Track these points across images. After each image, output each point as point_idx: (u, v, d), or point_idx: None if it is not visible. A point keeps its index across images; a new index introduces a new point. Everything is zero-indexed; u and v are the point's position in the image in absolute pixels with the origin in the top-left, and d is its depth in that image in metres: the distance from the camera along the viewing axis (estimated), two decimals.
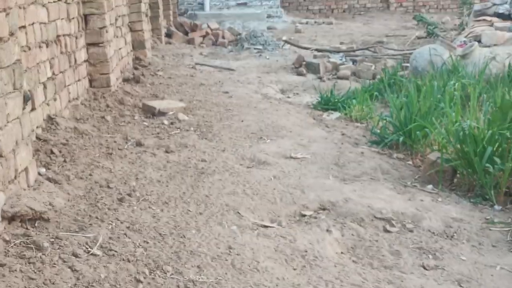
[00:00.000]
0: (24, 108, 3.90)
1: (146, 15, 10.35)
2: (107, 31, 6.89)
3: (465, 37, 10.94)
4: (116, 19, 7.80)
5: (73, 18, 6.26)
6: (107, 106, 6.48)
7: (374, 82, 8.85)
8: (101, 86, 6.88)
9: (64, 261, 3.13)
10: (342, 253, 3.80)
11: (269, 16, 17.58)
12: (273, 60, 11.74)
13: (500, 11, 12.37)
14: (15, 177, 3.64)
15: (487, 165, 4.71)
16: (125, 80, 7.94)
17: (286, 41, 13.43)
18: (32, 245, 3.24)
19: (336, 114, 7.35)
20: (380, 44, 13.03)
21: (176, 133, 5.88)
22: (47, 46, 5.36)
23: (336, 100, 7.75)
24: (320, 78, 9.96)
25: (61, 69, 5.77)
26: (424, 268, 3.64)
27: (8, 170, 3.53)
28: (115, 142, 5.34)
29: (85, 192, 4.14)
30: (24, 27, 4.72)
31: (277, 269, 3.39)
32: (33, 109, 4.71)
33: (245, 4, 17.90)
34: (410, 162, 5.58)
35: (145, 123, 6.16)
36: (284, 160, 5.33)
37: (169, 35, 13.22)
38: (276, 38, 14.20)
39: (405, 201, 4.60)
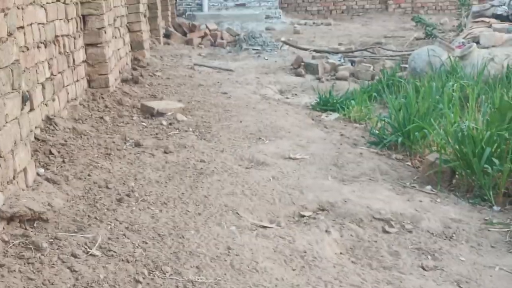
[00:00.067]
0: (22, 109, 3.90)
1: (145, 16, 10.35)
2: (105, 32, 6.89)
3: (464, 38, 10.94)
4: (114, 20, 7.80)
5: (71, 18, 6.26)
6: (106, 106, 6.47)
7: (373, 83, 8.86)
8: (99, 87, 6.87)
9: (63, 262, 3.13)
10: (341, 253, 3.80)
11: (267, 17, 17.59)
12: (272, 61, 11.75)
13: (499, 12, 12.38)
14: (14, 178, 3.64)
15: (486, 166, 4.71)
16: (124, 80, 7.93)
17: (284, 42, 13.43)
18: (31, 246, 3.23)
19: (335, 115, 7.36)
20: (378, 45, 13.03)
21: (174, 133, 5.88)
22: (45, 47, 5.35)
23: (335, 101, 7.76)
24: (318, 79, 9.97)
25: (60, 70, 5.77)
26: (423, 268, 3.64)
27: (6, 170, 3.52)
28: (113, 142, 5.33)
29: (84, 192, 4.14)
30: (22, 27, 4.72)
31: (276, 269, 3.39)
32: (31, 109, 4.71)
33: (243, 5, 17.90)
34: (409, 163, 5.58)
35: (143, 123, 6.15)
36: (282, 161, 5.33)
37: (167, 35, 13.22)
38: (275, 39, 14.20)
39: (404, 201, 4.60)
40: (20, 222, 3.47)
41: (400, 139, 5.81)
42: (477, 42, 9.92)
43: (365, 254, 3.79)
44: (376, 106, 7.71)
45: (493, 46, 9.69)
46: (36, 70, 5.06)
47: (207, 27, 14.51)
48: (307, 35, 15.67)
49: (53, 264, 3.09)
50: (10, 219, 3.43)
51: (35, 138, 4.83)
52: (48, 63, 5.42)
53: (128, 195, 4.16)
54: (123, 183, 4.40)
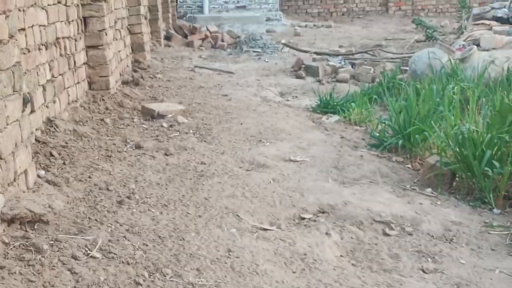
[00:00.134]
0: (23, 111, 3.90)
1: (145, 18, 10.36)
2: (106, 34, 6.89)
3: (464, 40, 10.95)
4: (115, 22, 7.80)
5: (72, 20, 6.26)
6: (106, 108, 6.48)
7: (373, 85, 8.87)
8: (100, 89, 6.88)
9: (64, 264, 3.13)
10: (341, 256, 3.80)
11: (268, 19, 17.62)
12: (272, 63, 11.75)
13: (499, 15, 12.40)
14: (15, 180, 3.64)
15: (486, 168, 4.71)
16: (124, 82, 7.94)
17: (285, 44, 13.44)
18: (31, 248, 3.23)
19: (335, 117, 7.36)
20: (379, 47, 13.04)
21: (175, 135, 5.88)
22: (46, 49, 5.36)
23: (335, 103, 7.76)
24: (319, 81, 9.98)
25: (61, 72, 5.77)
26: (424, 271, 3.64)
27: (7, 172, 3.52)
28: (114, 144, 5.33)
29: (84, 194, 4.14)
30: (23, 29, 4.72)
31: (276, 272, 3.39)
32: (32, 111, 4.71)
33: (244, 7, 17.93)
34: (409, 166, 5.58)
35: (144, 125, 6.16)
36: (283, 163, 5.33)
37: (168, 38, 13.23)
38: (275, 41, 14.21)
39: (404, 204, 4.60)
40: (20, 224, 3.47)
41: (400, 142, 5.81)
42: (478, 45, 9.93)
43: (366, 257, 3.79)
44: (376, 108, 7.72)
45: (493, 48, 9.70)
46: (37, 72, 5.06)
47: (207, 29, 14.53)
48: (307, 37, 15.69)
49: (54, 266, 3.09)
50: (10, 221, 3.43)
51: (35, 140, 4.84)
52: (49, 65, 5.43)
53: (128, 197, 4.16)
54: (124, 185, 4.40)
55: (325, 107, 7.78)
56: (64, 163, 4.62)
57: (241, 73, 10.51)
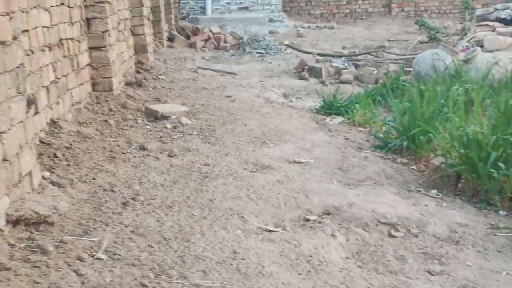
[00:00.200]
0: (27, 112, 3.89)
1: (148, 19, 10.36)
2: (109, 35, 6.89)
3: (467, 42, 10.94)
4: (118, 23, 7.80)
5: (75, 22, 6.25)
6: (110, 110, 6.47)
7: (377, 86, 8.86)
8: (103, 90, 6.87)
9: (69, 265, 3.11)
10: (347, 258, 3.78)
11: (271, 20, 17.62)
12: (275, 64, 11.74)
13: (502, 16, 12.39)
14: (19, 181, 3.63)
15: (492, 170, 4.70)
16: (128, 84, 7.93)
17: (288, 45, 13.43)
18: (37, 249, 3.22)
19: (339, 119, 7.35)
20: (382, 48, 13.04)
21: (179, 137, 5.87)
22: (50, 50, 5.35)
23: (339, 104, 7.75)
24: (322, 82, 9.97)
25: (64, 73, 5.76)
26: (430, 273, 3.63)
27: (12, 173, 3.51)
28: (118, 146, 5.32)
29: (89, 196, 4.13)
30: (27, 31, 4.71)
31: (282, 274, 3.37)
32: (36, 112, 4.70)
33: (246, 8, 17.92)
34: (414, 167, 5.57)
35: (148, 127, 6.15)
36: (287, 165, 5.32)
37: (171, 39, 13.23)
38: (278, 42, 14.21)
39: (409, 206, 4.59)
40: (25, 225, 3.46)
41: (405, 143, 5.80)
42: (481, 46, 9.93)
43: (371, 259, 3.78)
44: (380, 109, 7.70)
45: (497, 49, 9.70)
46: (41, 74, 5.05)
47: (210, 30, 14.53)
48: (310, 38, 15.69)
49: (59, 268, 3.07)
50: (15, 223, 3.42)
51: (40, 141, 4.83)
52: (53, 66, 5.42)
53: (133, 199, 4.15)
54: (128, 187, 4.39)
55: (329, 108, 7.77)
56: (68, 165, 4.61)
57: (244, 74, 10.50)
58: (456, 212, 4.53)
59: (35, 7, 4.96)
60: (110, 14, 6.96)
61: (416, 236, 4.09)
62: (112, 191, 4.26)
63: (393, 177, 5.23)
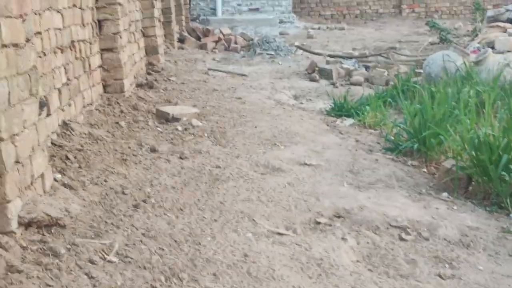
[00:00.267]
0: (40, 114, 3.91)
1: (159, 21, 10.38)
2: (121, 37, 6.91)
3: (478, 43, 10.91)
4: (129, 25, 7.82)
5: (87, 23, 6.28)
6: (121, 111, 6.49)
7: (388, 88, 8.85)
8: (115, 92, 6.89)
9: (81, 268, 3.13)
10: (357, 261, 3.78)
11: (281, 22, 17.63)
12: (286, 65, 11.74)
13: None
14: (32, 183, 3.65)
15: (503, 173, 4.68)
16: (139, 85, 7.95)
17: (298, 47, 13.44)
18: (48, 252, 3.23)
19: (350, 121, 7.34)
20: (392, 50, 13.02)
21: (190, 139, 5.88)
22: (62, 52, 5.37)
23: (350, 106, 7.74)
24: (333, 84, 9.97)
25: (76, 75, 5.79)
26: (441, 277, 3.62)
27: (24, 176, 3.53)
28: (129, 148, 5.34)
29: (100, 198, 4.14)
30: (39, 33, 4.74)
31: (293, 277, 3.38)
32: (48, 114, 4.73)
33: (257, 9, 17.93)
34: (425, 170, 5.56)
35: (159, 128, 6.16)
36: (298, 167, 5.32)
37: (181, 40, 13.26)
38: (288, 43, 14.21)
39: (420, 209, 4.58)
40: (37, 227, 3.48)
41: (416, 146, 5.78)
42: (492, 47, 9.90)
43: (382, 262, 3.77)
44: (391, 111, 7.68)
45: (508, 51, 9.65)
46: (53, 75, 5.08)
47: (221, 31, 14.54)
48: (320, 39, 15.68)
49: (71, 271, 3.09)
50: (28, 225, 3.44)
51: (51, 143, 4.85)
52: (65, 68, 5.44)
53: (144, 201, 4.17)
54: (139, 189, 4.40)
55: (340, 110, 7.77)
56: (80, 167, 4.63)
57: (254, 75, 10.51)
58: (467, 215, 4.51)
59: (47, 9, 4.99)
60: (122, 16, 6.98)
61: (427, 239, 4.08)
62: (123, 193, 4.28)
63: (404, 180, 5.22)
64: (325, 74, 10.45)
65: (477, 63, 8.42)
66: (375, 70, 10.53)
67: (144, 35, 9.39)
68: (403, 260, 3.79)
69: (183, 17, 14.27)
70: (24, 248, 3.24)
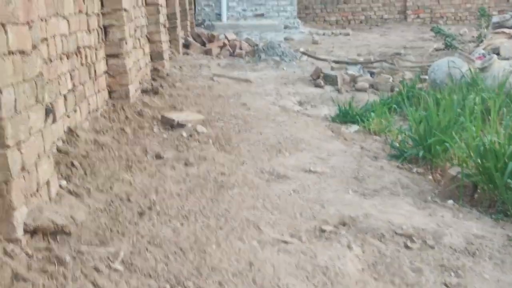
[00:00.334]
0: (46, 121, 3.92)
1: (164, 26, 10.40)
2: (126, 43, 6.92)
3: (484, 49, 10.90)
4: (135, 30, 7.84)
5: (93, 29, 6.29)
6: (126, 117, 6.49)
7: (393, 94, 8.85)
8: (120, 98, 6.90)
9: (86, 276, 3.13)
10: (363, 269, 3.77)
11: (286, 27, 17.64)
12: (291, 71, 11.75)
13: None
14: (37, 190, 3.66)
15: (509, 180, 4.67)
16: (144, 91, 7.96)
17: (303, 53, 13.44)
18: (54, 259, 3.23)
19: (355, 127, 7.33)
20: (397, 56, 13.01)
21: (195, 145, 5.88)
22: (67, 58, 5.39)
23: (355, 113, 7.74)
24: (338, 90, 9.97)
25: (81, 81, 5.80)
26: (446, 286, 3.60)
27: (30, 183, 3.54)
28: (134, 154, 5.34)
29: (105, 205, 4.14)
30: (45, 39, 4.75)
31: (298, 286, 3.37)
32: (54, 121, 4.73)
33: (262, 15, 17.95)
34: (430, 177, 5.55)
35: (164, 135, 6.17)
36: (303, 174, 5.31)
37: (186, 45, 13.28)
38: (293, 49, 14.21)
39: (425, 216, 4.56)
40: (43, 235, 3.48)
41: (421, 153, 5.77)
42: (497, 53, 9.90)
43: (387, 270, 3.76)
44: (396, 118, 7.68)
45: None
46: (59, 82, 5.09)
47: (226, 37, 14.56)
48: (325, 45, 15.69)
49: (77, 279, 3.09)
50: (33, 232, 3.44)
51: (57, 149, 4.85)
52: (70, 74, 5.45)
53: (149, 208, 4.17)
54: (145, 196, 4.40)
55: (344, 116, 7.76)
56: (85, 173, 4.63)
57: (259, 81, 10.51)
58: (472, 223, 4.50)
59: (53, 15, 5.00)
60: (127, 21, 6.99)
61: (432, 247, 4.07)
62: (129, 200, 4.28)
63: (409, 187, 5.21)
64: (330, 80, 10.45)
65: (483, 69, 8.41)
66: (380, 76, 10.53)
67: (149, 40, 9.41)
68: (409, 268, 3.78)
69: (188, 23, 14.29)
70: (29, 256, 3.24)
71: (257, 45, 14.17)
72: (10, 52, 3.32)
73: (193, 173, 5.03)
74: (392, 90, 9.62)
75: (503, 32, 11.89)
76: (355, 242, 4.04)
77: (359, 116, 7.62)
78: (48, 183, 3.85)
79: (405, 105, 7.35)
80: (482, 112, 6.44)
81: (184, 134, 6.22)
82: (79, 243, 3.49)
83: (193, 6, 15.89)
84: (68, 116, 5.34)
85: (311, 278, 3.48)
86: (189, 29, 14.29)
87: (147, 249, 3.54)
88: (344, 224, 4.31)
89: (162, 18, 9.98)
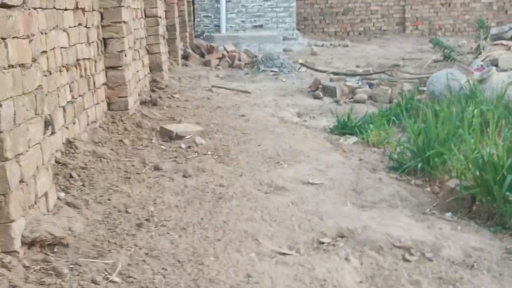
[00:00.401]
0: (44, 133, 3.93)
1: (164, 38, 10.43)
2: (125, 55, 6.95)
3: (482, 61, 10.91)
4: (134, 42, 7.86)
5: (92, 42, 6.32)
6: (125, 129, 6.51)
7: (391, 106, 8.85)
8: (119, 109, 6.92)
9: None
10: (361, 282, 3.76)
11: (285, 39, 17.68)
12: (290, 83, 11.77)
13: None
14: (35, 202, 3.66)
15: (507, 193, 4.66)
16: (143, 102, 7.99)
17: (302, 64, 13.47)
18: (51, 271, 3.24)
19: (353, 139, 7.34)
20: (396, 67, 13.04)
21: (193, 157, 5.89)
22: (67, 70, 5.41)
23: (353, 124, 7.74)
24: (336, 101, 9.98)
25: (80, 93, 5.82)
26: None
27: (28, 195, 3.55)
28: (133, 166, 5.35)
29: (103, 217, 4.15)
30: (45, 52, 4.77)
31: None
32: (53, 133, 4.75)
33: (261, 26, 17.99)
34: (429, 189, 5.54)
35: (162, 146, 6.18)
36: (302, 186, 5.31)
37: (185, 57, 13.32)
38: (292, 60, 14.24)
39: (423, 229, 4.56)
40: (40, 247, 3.49)
41: (419, 165, 5.77)
42: (496, 65, 9.91)
43: (386, 283, 3.75)
44: (394, 130, 7.68)
45: (511, 69, 9.65)
46: (58, 94, 5.11)
47: (225, 48, 14.60)
48: (324, 56, 15.72)
49: None
50: (31, 244, 3.45)
51: (55, 161, 4.87)
52: (70, 86, 5.47)
53: (147, 220, 4.17)
54: (143, 208, 4.41)
55: (343, 128, 7.77)
56: (83, 185, 4.64)
57: (258, 93, 10.54)
58: (471, 235, 4.49)
59: (53, 28, 5.03)
60: (127, 34, 7.02)
61: (430, 260, 4.07)
62: (127, 212, 4.29)
63: (408, 199, 5.21)
64: (329, 91, 10.47)
65: (481, 81, 8.42)
66: (379, 88, 10.54)
67: (148, 52, 9.44)
68: (407, 281, 3.78)
69: (187, 34, 14.34)
70: (27, 267, 3.25)
71: (256, 56, 14.22)
72: (10, 66, 3.34)
73: (192, 185, 5.03)
74: (390, 101, 9.63)
75: (502, 44, 11.92)
76: (353, 255, 4.03)
77: (357, 127, 7.63)
78: (46, 195, 3.86)
79: (404, 117, 7.36)
80: (480, 124, 6.44)
81: (183, 145, 6.23)
82: (76, 255, 3.50)
83: (192, 18, 15.93)
84: (67, 128, 5.36)
85: None
86: (188, 40, 14.33)
87: (144, 261, 3.54)
88: (342, 236, 4.30)
89: (161, 30, 10.02)
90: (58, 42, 5.14)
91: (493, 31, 13.30)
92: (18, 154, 3.42)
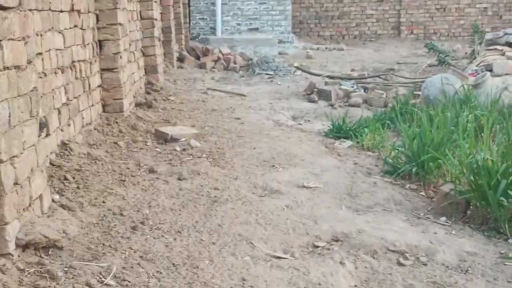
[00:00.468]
0: (39, 135, 3.92)
1: (159, 40, 10.42)
2: (121, 57, 6.94)
3: (477, 66, 10.94)
4: (129, 44, 7.85)
5: (88, 44, 6.31)
6: (120, 131, 6.50)
7: (386, 110, 8.86)
8: (114, 111, 6.91)
9: None
10: (355, 286, 3.76)
11: (280, 42, 17.69)
12: (285, 86, 11.78)
13: None
14: (30, 205, 3.65)
15: (501, 198, 4.68)
16: (138, 105, 7.97)
17: (298, 68, 13.48)
18: (46, 274, 3.22)
19: (348, 143, 7.34)
20: (391, 71, 13.06)
21: (188, 160, 5.88)
22: (62, 72, 5.40)
23: (348, 128, 7.75)
24: (331, 105, 9.99)
25: (76, 95, 5.80)
26: None
27: (23, 197, 3.53)
28: (128, 168, 5.34)
29: (98, 219, 4.14)
30: (40, 53, 4.76)
31: None
32: (47, 135, 4.73)
33: (256, 29, 18.01)
34: (423, 193, 5.55)
35: (157, 149, 6.17)
36: (296, 189, 5.32)
37: (181, 59, 13.31)
38: (288, 63, 14.26)
39: (418, 233, 4.57)
40: (35, 249, 3.47)
41: (414, 169, 5.78)
42: (490, 70, 9.93)
43: (380, 287, 3.76)
44: (389, 134, 7.69)
45: (506, 74, 9.68)
46: (53, 96, 5.10)
47: (220, 51, 14.60)
48: (319, 60, 15.73)
49: None
50: (25, 247, 3.43)
51: (50, 163, 4.85)
52: (65, 88, 5.46)
53: (142, 223, 4.16)
54: (137, 211, 4.40)
55: (338, 132, 7.78)
56: (78, 187, 4.63)
57: (253, 96, 10.54)
58: (465, 240, 4.51)
59: (49, 29, 5.02)
60: (122, 36, 7.01)
61: (425, 264, 4.07)
62: (122, 215, 4.28)
63: (402, 204, 5.22)
64: (324, 95, 10.48)
65: (476, 86, 8.45)
66: (374, 92, 10.56)
67: (143, 54, 9.44)
68: (401, 285, 3.78)
69: (183, 36, 14.32)
70: (21, 270, 3.23)
71: (251, 59, 14.23)
72: (5, 68, 3.32)
73: (187, 188, 5.02)
74: (385, 105, 9.65)
75: (496, 49, 11.96)
76: (348, 258, 4.04)
77: (352, 131, 7.64)
78: (41, 197, 3.84)
79: (399, 121, 7.36)
80: (475, 129, 6.46)
81: (178, 148, 6.22)
82: (71, 258, 3.49)
83: (187, 20, 15.92)
84: (62, 130, 5.35)
85: None
86: (183, 42, 14.32)
87: (139, 264, 3.53)
88: (337, 240, 4.31)
89: (157, 32, 10.01)
90: (53, 44, 5.13)
91: (488, 36, 13.34)
92: (13, 156, 3.40)
